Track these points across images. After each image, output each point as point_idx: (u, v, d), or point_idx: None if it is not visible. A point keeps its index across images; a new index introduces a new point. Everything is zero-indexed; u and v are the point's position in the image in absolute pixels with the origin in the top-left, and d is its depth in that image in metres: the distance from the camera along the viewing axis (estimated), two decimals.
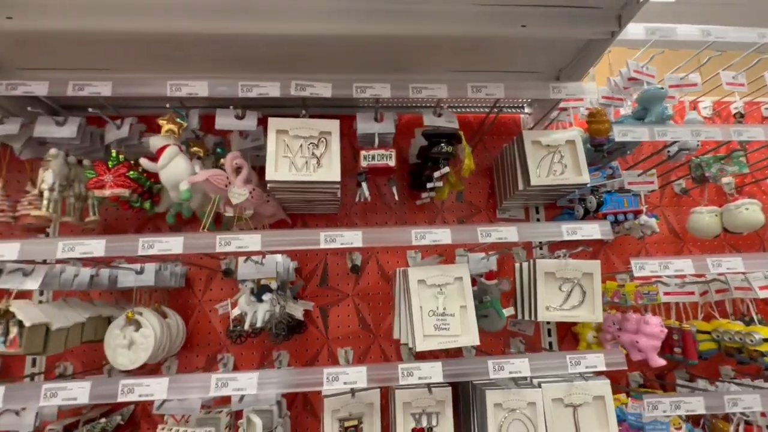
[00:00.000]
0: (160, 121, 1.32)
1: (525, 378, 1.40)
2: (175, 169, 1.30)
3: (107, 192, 1.37)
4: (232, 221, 1.42)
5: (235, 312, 1.38)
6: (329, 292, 1.82)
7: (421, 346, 1.30)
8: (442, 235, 1.30)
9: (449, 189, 1.64)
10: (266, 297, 1.35)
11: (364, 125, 1.49)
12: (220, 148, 1.56)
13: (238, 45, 1.38)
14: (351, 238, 1.25)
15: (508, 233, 1.33)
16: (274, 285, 1.37)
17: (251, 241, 1.23)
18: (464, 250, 1.80)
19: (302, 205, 1.64)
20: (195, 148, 1.45)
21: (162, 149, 1.31)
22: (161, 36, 1.30)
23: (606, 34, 1.40)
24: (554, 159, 1.59)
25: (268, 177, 1.31)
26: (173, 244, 1.22)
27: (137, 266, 1.47)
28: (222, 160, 1.53)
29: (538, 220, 1.96)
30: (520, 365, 1.26)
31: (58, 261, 1.36)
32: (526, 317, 1.56)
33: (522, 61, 1.62)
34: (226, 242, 1.22)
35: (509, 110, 2.01)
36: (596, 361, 1.30)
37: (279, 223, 1.74)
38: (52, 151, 1.37)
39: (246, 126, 1.42)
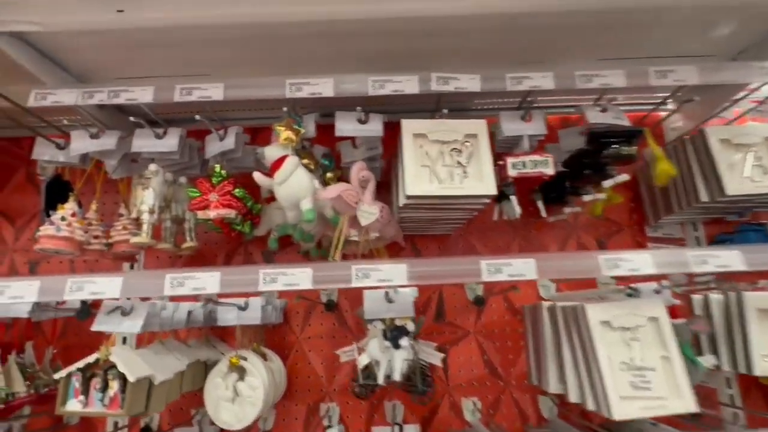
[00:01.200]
0: (278, 127, 1.10)
1: None
2: (297, 184, 1.07)
3: (212, 213, 1.16)
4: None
5: (363, 360, 1.11)
6: (446, 328, 1.53)
7: (620, 412, 0.97)
8: (640, 263, 0.98)
9: (606, 202, 1.32)
10: (404, 342, 1.07)
11: (510, 126, 1.22)
12: (327, 160, 1.33)
13: (354, 38, 1.17)
14: (521, 268, 0.96)
15: (730, 259, 0.99)
16: (411, 326, 1.09)
17: (395, 272, 0.96)
18: (610, 279, 1.46)
19: (423, 224, 1.37)
20: (305, 160, 1.22)
21: (280, 161, 1.09)
22: (275, 26, 1.10)
23: None
24: (747, 161, 1.24)
25: (408, 191, 1.05)
26: (301, 277, 0.98)
27: (241, 301, 1.25)
28: (329, 174, 1.31)
29: (697, 239, 1.59)
30: None
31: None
32: (729, 368, 1.19)
33: (684, 41, 1.30)
34: (364, 274, 0.96)
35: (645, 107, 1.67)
36: None
37: (390, 246, 1.48)
38: (152, 167, 1.18)
39: (369, 131, 1.18)
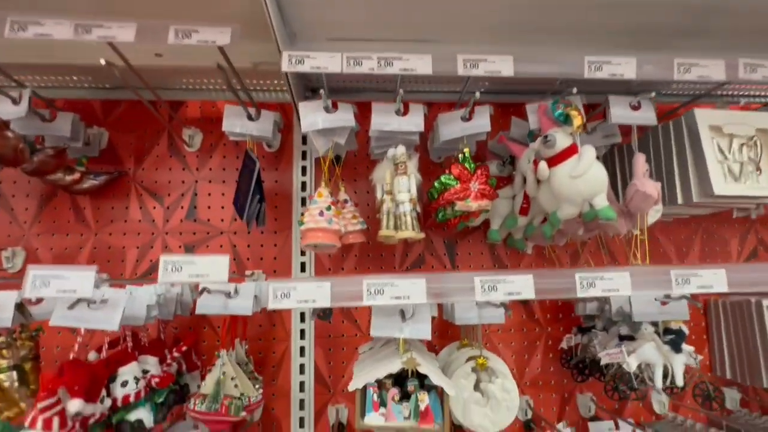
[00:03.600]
0: (572, 112, 0.98)
1: None
2: (595, 179, 0.96)
3: (474, 205, 1.04)
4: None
5: (633, 363, 1.06)
6: None
7: None
8: None
9: None
10: (686, 347, 1.02)
11: None
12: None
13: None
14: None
15: None
16: (686, 330, 1.05)
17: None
18: None
19: None
20: None
21: (570, 150, 0.98)
22: None
23: None
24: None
25: (716, 190, 0.98)
26: (619, 281, 0.90)
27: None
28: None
29: None
30: None
31: None
32: None
33: None
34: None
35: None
36: None
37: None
38: (402, 149, 1.04)
39: (644, 119, 1.08)
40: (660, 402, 1.45)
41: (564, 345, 1.37)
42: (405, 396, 0.92)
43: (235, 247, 1.42)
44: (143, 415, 0.94)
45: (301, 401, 1.35)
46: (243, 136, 1.18)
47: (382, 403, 0.88)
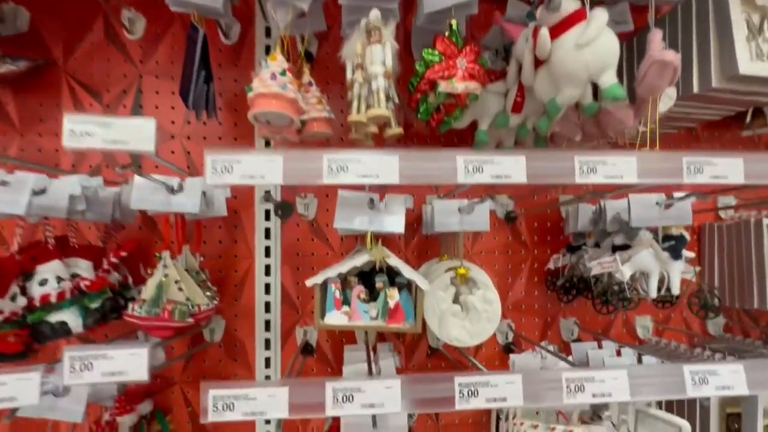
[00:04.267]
0: None
1: None
2: (605, 49, 0.80)
3: (460, 86, 0.87)
4: None
5: (627, 271, 0.96)
6: None
7: None
8: None
9: None
10: (686, 253, 0.93)
11: None
12: None
13: None
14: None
15: None
16: (687, 236, 0.95)
17: None
18: None
19: None
20: None
21: (578, 15, 0.81)
22: None
23: None
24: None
25: (742, 69, 0.84)
26: (623, 167, 0.77)
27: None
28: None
29: None
30: None
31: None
32: None
33: None
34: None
35: None
36: None
37: None
38: (376, 13, 0.85)
39: None
40: (644, 327, 1.40)
41: (551, 265, 1.28)
42: (373, 299, 0.80)
43: (189, 155, 1.25)
44: (68, 317, 0.81)
45: (267, 322, 1.25)
46: (186, 6, 0.98)
47: (346, 302, 0.77)
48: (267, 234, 1.25)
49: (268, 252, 1.25)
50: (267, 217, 1.25)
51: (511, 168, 0.74)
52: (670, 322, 1.43)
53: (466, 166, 0.73)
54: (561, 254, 1.27)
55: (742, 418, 1.11)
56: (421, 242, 1.33)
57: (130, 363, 0.68)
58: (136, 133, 0.67)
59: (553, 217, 1.38)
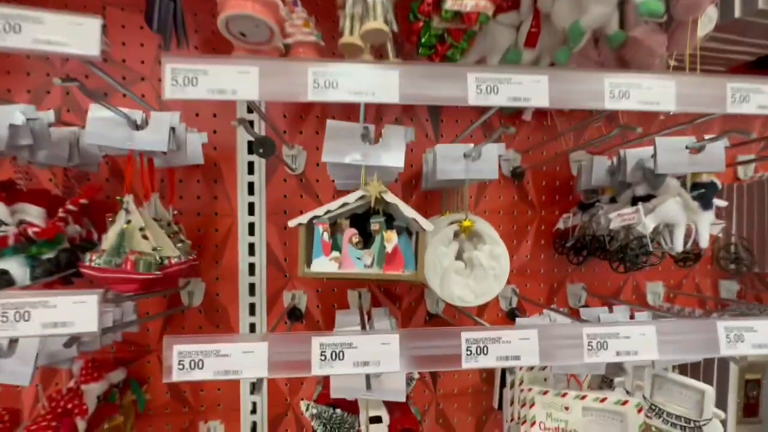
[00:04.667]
0: None
1: None
2: None
3: (470, 4, 0.75)
4: None
5: (650, 223, 0.86)
6: None
7: None
8: None
9: None
10: (717, 202, 0.83)
11: None
12: None
13: None
14: None
15: None
16: (719, 184, 0.85)
17: None
18: None
19: None
20: None
21: None
22: None
23: None
24: None
25: None
26: (659, 93, 0.66)
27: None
28: None
29: None
30: None
31: None
32: None
33: None
34: None
35: None
36: None
37: None
38: None
39: None
40: (654, 293, 1.32)
41: (561, 225, 1.18)
42: (368, 247, 0.70)
43: (161, 98, 1.11)
44: (11, 266, 0.69)
45: (251, 286, 1.14)
46: None
47: (336, 247, 0.66)
48: (251, 189, 1.13)
49: (251, 209, 1.13)
50: (251, 171, 1.13)
51: (531, 89, 0.63)
52: (681, 288, 1.35)
53: (479, 86, 0.62)
54: (572, 213, 1.17)
55: (761, 385, 1.03)
56: (421, 200, 1.22)
57: (78, 312, 0.57)
58: (75, 31, 0.54)
59: (562, 175, 1.27)
